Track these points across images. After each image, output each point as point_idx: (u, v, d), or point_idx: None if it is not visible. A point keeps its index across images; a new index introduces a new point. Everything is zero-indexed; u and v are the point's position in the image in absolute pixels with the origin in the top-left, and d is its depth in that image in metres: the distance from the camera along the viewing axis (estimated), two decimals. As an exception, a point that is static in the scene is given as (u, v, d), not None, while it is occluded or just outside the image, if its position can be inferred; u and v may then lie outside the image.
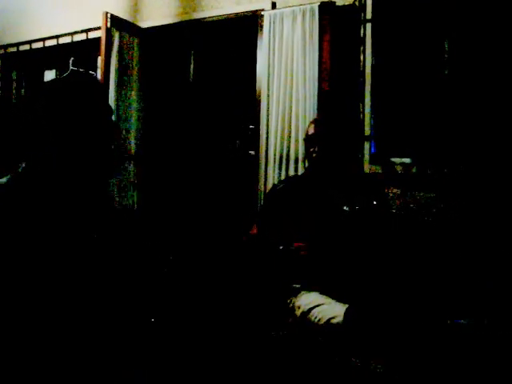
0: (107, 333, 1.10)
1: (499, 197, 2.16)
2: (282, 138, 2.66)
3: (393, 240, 1.92)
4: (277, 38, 2.70)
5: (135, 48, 3.30)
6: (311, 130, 1.95)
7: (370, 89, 2.54)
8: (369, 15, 2.54)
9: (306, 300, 1.67)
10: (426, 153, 2.45)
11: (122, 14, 3.38)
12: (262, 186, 2.73)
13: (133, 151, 3.29)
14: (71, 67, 3.58)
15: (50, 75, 4.06)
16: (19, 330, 0.95)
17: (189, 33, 3.30)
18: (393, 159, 2.50)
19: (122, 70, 3.18)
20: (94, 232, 1.10)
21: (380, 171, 2.50)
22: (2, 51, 4.16)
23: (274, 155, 2.68)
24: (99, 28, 3.20)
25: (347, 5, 2.58)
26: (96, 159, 1.11)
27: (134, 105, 3.28)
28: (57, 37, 3.77)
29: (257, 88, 2.88)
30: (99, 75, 3.19)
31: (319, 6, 2.55)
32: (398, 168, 2.46)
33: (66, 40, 3.73)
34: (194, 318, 2.24)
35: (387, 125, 2.59)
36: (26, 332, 0.95)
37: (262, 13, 2.79)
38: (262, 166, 2.74)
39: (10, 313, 0.94)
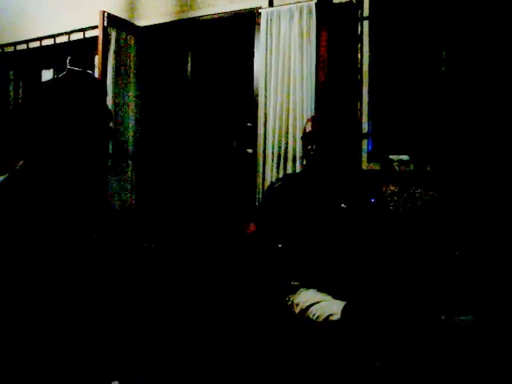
0: (107, 333, 1.11)
1: (498, 195, 2.16)
2: (280, 135, 2.65)
3: (390, 237, 1.92)
4: (274, 35, 2.69)
5: (132, 47, 3.29)
6: (309, 128, 1.95)
7: (367, 86, 2.54)
8: (366, 12, 2.54)
9: (304, 297, 1.67)
10: (423, 150, 2.44)
11: (119, 12, 3.37)
12: (260, 184, 2.73)
13: (130, 150, 3.28)
14: (68, 66, 3.56)
15: (47, 74, 4.05)
16: (19, 329, 0.95)
17: (186, 31, 3.29)
18: (391, 156, 2.50)
19: (119, 68, 3.17)
20: (93, 232, 1.10)
21: (378, 168, 2.50)
22: (-1, 51, 4.15)
23: (272, 153, 2.68)
24: (96, 27, 3.20)
25: (344, 2, 2.57)
26: (95, 158, 1.11)
27: (132, 103, 3.28)
28: (54, 36, 3.76)
29: (254, 86, 2.87)
30: (96, 74, 3.19)
31: (316, 4, 2.55)
32: (396, 165, 2.47)
33: (63, 39, 3.72)
34: (193, 317, 2.24)
35: (385, 122, 2.59)
36: (25, 332, 0.95)
37: (260, 10, 2.78)
38: (260, 164, 2.74)
39: (10, 312, 0.94)
